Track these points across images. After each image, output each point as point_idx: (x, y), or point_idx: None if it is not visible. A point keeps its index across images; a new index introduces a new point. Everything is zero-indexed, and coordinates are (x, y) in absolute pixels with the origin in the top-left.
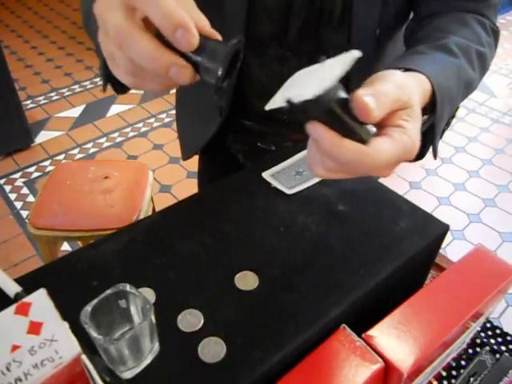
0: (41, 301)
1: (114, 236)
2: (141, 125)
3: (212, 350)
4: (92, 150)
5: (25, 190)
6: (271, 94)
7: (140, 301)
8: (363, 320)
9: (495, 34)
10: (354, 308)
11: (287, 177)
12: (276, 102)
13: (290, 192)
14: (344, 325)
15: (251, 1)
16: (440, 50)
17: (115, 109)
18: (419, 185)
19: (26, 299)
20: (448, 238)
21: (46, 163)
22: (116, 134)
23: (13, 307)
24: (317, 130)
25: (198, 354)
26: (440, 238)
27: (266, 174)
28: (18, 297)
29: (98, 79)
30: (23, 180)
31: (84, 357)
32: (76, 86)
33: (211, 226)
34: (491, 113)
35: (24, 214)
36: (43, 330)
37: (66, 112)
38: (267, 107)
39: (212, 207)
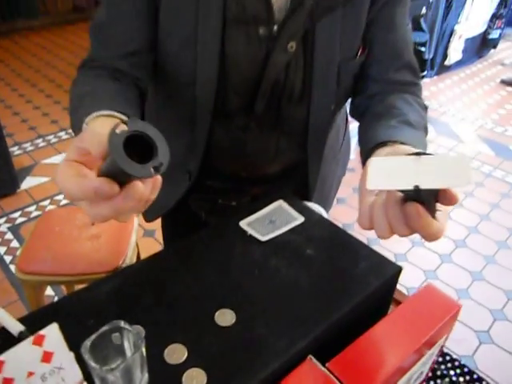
0: (53, 333)
1: (106, 281)
2: None
3: (195, 379)
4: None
5: (9, 236)
6: (234, 157)
7: (132, 335)
8: (328, 349)
9: (426, 109)
10: (319, 340)
11: (261, 225)
12: (384, 183)
13: (263, 239)
14: (310, 356)
15: (220, 83)
16: (407, 124)
17: None
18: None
19: (41, 332)
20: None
21: (32, 208)
22: None
23: (30, 338)
24: (420, 213)
25: (183, 383)
26: (394, 277)
27: (242, 223)
28: (21, 335)
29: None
30: (8, 225)
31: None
32: (62, 133)
33: (193, 270)
34: None
35: (7, 259)
36: (53, 359)
37: (53, 158)
38: (371, 186)
39: (193, 253)
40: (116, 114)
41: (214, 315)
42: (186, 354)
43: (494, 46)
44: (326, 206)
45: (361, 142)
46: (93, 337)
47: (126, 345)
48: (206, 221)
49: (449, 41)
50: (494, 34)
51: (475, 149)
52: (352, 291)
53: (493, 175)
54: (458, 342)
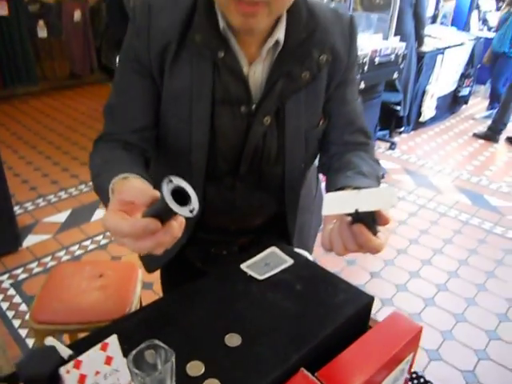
0: (113, 342)
1: (129, 317)
2: None
3: None
4: (78, 253)
5: (11, 292)
6: (224, 212)
7: (164, 351)
8: (316, 363)
9: (378, 163)
10: (308, 355)
11: (258, 267)
12: (334, 209)
13: (261, 278)
14: (302, 368)
15: (211, 150)
16: (361, 174)
17: (100, 213)
18: (379, 274)
19: (106, 340)
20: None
21: (33, 265)
22: (100, 237)
23: (99, 345)
24: (362, 231)
25: None
26: (368, 305)
27: (243, 266)
28: (70, 357)
29: (82, 186)
30: (10, 282)
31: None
32: (62, 193)
33: (204, 304)
34: (439, 207)
35: (10, 314)
36: (113, 362)
37: (53, 217)
38: (325, 212)
39: (202, 291)
40: (137, 176)
41: (223, 338)
42: (203, 369)
43: (466, 102)
44: (310, 251)
45: (327, 190)
46: (133, 352)
47: (158, 359)
48: (202, 269)
49: (422, 99)
50: (464, 92)
51: (453, 198)
52: (334, 316)
53: (470, 223)
54: (444, 382)
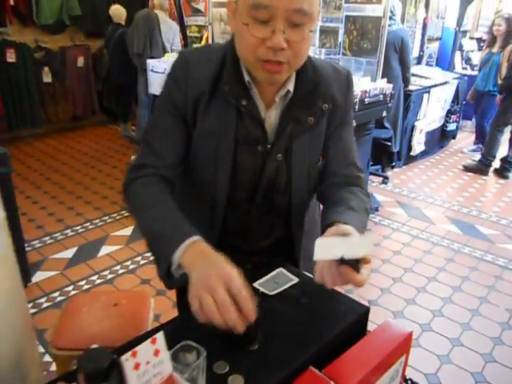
0: (160, 338)
1: (159, 328)
2: (129, 263)
3: (236, 381)
4: (85, 287)
5: None
6: (240, 233)
7: (196, 349)
8: (321, 363)
9: (368, 195)
10: (315, 356)
11: (269, 285)
12: (324, 255)
13: (271, 293)
14: (311, 366)
15: (232, 182)
16: (350, 209)
17: (105, 249)
18: (376, 301)
19: (155, 336)
20: None
21: (42, 300)
22: (107, 272)
23: (149, 339)
24: (348, 272)
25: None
26: (365, 314)
27: (255, 284)
28: (115, 360)
29: (88, 224)
30: None
31: (174, 374)
32: (68, 231)
33: None
34: (431, 237)
35: None
36: (160, 354)
37: (60, 254)
38: (316, 258)
39: None
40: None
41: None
42: (227, 367)
43: (453, 137)
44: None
45: (321, 222)
46: (171, 351)
47: (190, 357)
48: None
49: (411, 135)
50: (452, 127)
51: (445, 229)
52: (336, 323)
53: (461, 251)
54: None
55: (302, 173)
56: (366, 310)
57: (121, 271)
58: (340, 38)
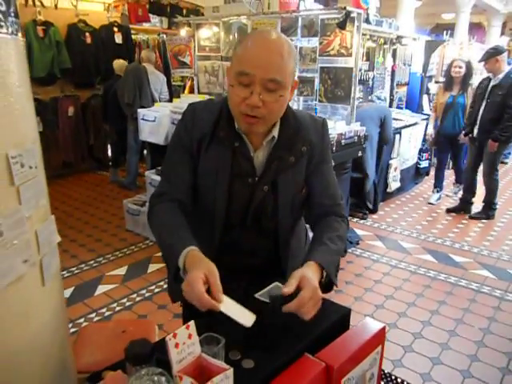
0: (192, 324)
1: None
2: (125, 300)
3: (248, 364)
4: (84, 324)
5: None
6: (234, 252)
7: (216, 338)
8: (314, 351)
9: (347, 222)
10: (308, 346)
11: (267, 295)
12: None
13: (269, 301)
14: (306, 353)
15: (228, 209)
16: (322, 244)
17: (101, 288)
18: None
19: (188, 323)
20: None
21: None
22: (104, 309)
23: (184, 326)
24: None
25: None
26: (347, 314)
27: (257, 295)
28: (153, 347)
29: (82, 265)
30: None
31: (203, 354)
32: (64, 272)
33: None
34: (409, 266)
35: None
36: (192, 337)
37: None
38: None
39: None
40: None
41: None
42: (239, 355)
43: (427, 174)
44: None
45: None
46: (202, 336)
47: (212, 345)
48: None
49: (387, 173)
50: (424, 164)
51: (421, 258)
52: (324, 321)
53: (437, 278)
54: None
55: (287, 202)
56: (348, 311)
57: (118, 308)
58: (316, 87)
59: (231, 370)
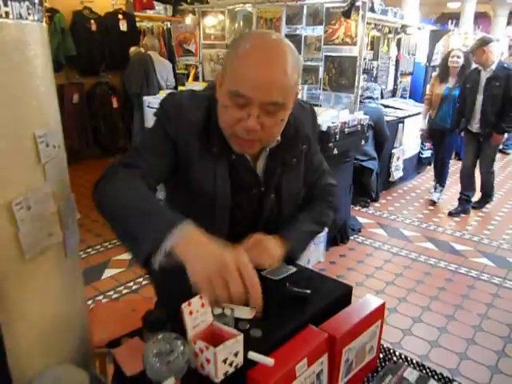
0: (206, 296)
1: None
2: (132, 283)
3: (256, 333)
4: (92, 306)
5: None
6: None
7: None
8: (318, 322)
9: (332, 207)
10: (312, 319)
11: (274, 273)
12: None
13: (276, 278)
14: (309, 324)
15: (232, 220)
16: (295, 222)
17: (109, 272)
18: None
19: (200, 295)
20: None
21: None
22: (112, 292)
23: (198, 296)
24: None
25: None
26: (349, 291)
27: (263, 273)
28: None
29: (89, 249)
30: None
31: (215, 322)
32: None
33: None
34: (410, 254)
35: None
36: (205, 306)
37: None
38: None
39: None
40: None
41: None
42: (248, 325)
43: (429, 164)
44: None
45: None
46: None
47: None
48: None
49: (390, 162)
50: (427, 154)
51: (422, 246)
52: (327, 296)
53: (438, 265)
54: None
55: (291, 202)
56: (350, 288)
57: (125, 291)
58: (320, 75)
59: (241, 335)
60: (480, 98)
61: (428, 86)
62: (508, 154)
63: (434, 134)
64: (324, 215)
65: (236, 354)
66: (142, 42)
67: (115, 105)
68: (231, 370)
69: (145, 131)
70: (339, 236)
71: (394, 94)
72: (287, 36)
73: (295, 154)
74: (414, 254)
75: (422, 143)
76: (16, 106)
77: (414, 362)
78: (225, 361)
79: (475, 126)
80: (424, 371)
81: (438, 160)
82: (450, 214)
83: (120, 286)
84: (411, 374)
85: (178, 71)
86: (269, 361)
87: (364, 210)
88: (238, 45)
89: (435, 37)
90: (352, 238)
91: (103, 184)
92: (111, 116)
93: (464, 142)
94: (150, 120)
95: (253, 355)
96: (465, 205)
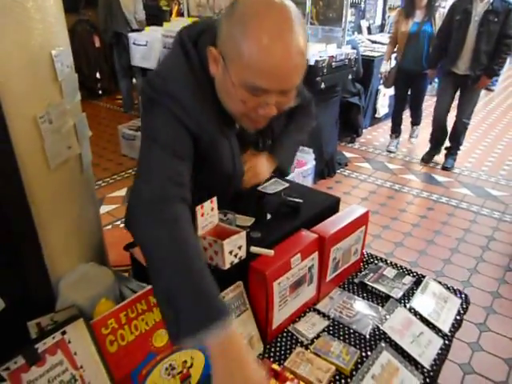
0: (215, 201)
1: None
2: None
3: (255, 234)
4: None
5: None
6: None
7: (228, 212)
8: (309, 227)
9: (310, 115)
10: (304, 224)
11: (269, 187)
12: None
13: (271, 192)
14: (302, 228)
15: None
16: (285, 132)
17: (104, 208)
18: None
19: (213, 199)
20: None
21: None
22: (109, 226)
23: (209, 200)
24: None
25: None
26: (337, 201)
27: (259, 188)
28: None
29: None
30: None
31: (220, 223)
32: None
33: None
34: (394, 186)
35: None
36: (213, 210)
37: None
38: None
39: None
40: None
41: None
42: (249, 229)
43: None
44: None
45: None
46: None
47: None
48: None
49: (376, 99)
50: None
51: (405, 178)
52: (317, 205)
53: (420, 196)
54: None
55: (279, 128)
56: (338, 199)
57: (122, 225)
58: (307, 9)
59: (244, 232)
60: (473, 33)
61: (389, 23)
62: (492, 90)
63: (401, 79)
64: (306, 124)
65: (240, 248)
66: None
67: (97, 44)
68: (236, 260)
69: (150, 122)
70: (326, 170)
71: (382, 29)
72: None
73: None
74: (397, 186)
75: None
76: (33, 26)
77: (393, 263)
78: (230, 252)
79: (462, 67)
80: (401, 270)
81: (400, 109)
82: (423, 160)
83: (117, 220)
84: (390, 272)
85: (162, 7)
86: (268, 252)
87: (350, 145)
88: (241, 22)
89: None
90: (339, 171)
91: (139, 223)
92: (94, 56)
93: (439, 86)
94: (135, 57)
95: (254, 249)
96: (436, 147)
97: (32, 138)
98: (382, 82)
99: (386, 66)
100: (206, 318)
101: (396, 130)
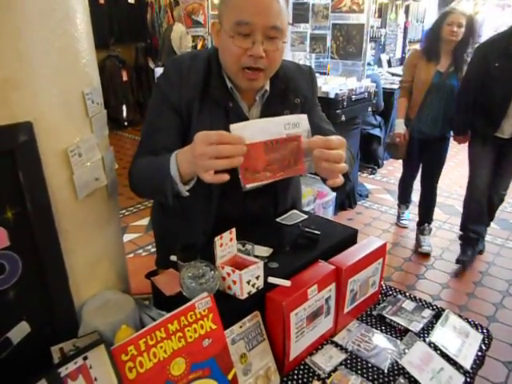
0: (233, 231)
1: None
2: (150, 247)
3: (272, 264)
4: None
5: None
6: (231, 219)
7: (246, 243)
8: (326, 258)
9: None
10: (322, 255)
11: (287, 219)
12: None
13: (290, 224)
14: (320, 259)
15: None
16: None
17: (127, 237)
18: None
19: (232, 229)
20: None
21: None
22: (132, 255)
23: (228, 231)
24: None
25: (269, 266)
26: (355, 233)
27: (277, 219)
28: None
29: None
30: None
31: (238, 253)
32: None
33: (259, 235)
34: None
35: None
36: (232, 241)
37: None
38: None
39: (257, 235)
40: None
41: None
42: (266, 259)
43: None
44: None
45: None
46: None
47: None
48: None
49: None
50: None
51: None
52: (334, 237)
53: (442, 228)
54: None
55: None
56: (356, 231)
57: (144, 253)
58: (328, 44)
59: (261, 262)
60: None
61: (403, 67)
62: None
63: (415, 145)
64: (349, 158)
65: (257, 278)
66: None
67: (125, 78)
68: (254, 290)
69: (149, 106)
70: (347, 201)
71: (401, 62)
72: (295, 4)
73: (287, 105)
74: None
75: None
76: (67, 67)
77: (412, 296)
78: (248, 282)
79: (509, 130)
80: (420, 303)
81: (411, 177)
82: (458, 262)
83: (139, 249)
84: (409, 305)
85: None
86: (286, 282)
87: (371, 176)
88: None
89: (444, 3)
90: (360, 202)
91: (130, 171)
92: (121, 89)
93: (474, 155)
94: None
95: (272, 279)
96: (475, 246)
97: (62, 171)
98: (386, 149)
99: (402, 125)
100: (167, 172)
101: (406, 200)
